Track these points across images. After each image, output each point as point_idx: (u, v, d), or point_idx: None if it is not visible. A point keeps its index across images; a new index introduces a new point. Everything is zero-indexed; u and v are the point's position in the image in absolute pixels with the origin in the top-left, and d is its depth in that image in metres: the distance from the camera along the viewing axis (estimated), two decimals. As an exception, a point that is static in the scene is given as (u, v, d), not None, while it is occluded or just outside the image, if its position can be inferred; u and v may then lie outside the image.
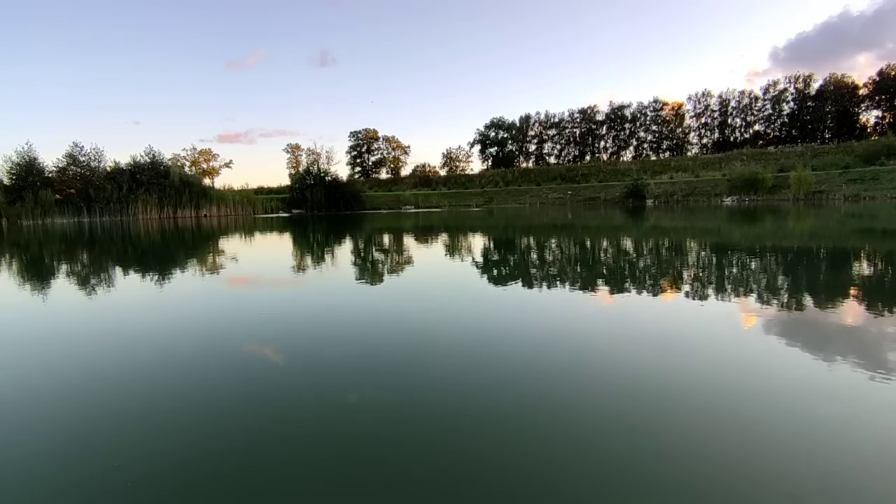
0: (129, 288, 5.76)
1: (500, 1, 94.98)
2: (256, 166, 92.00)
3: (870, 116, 51.32)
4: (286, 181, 49.59)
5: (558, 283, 5.10)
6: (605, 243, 9.63)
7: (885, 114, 49.77)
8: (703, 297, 4.14)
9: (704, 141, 58.73)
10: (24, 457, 1.73)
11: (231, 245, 11.74)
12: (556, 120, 64.08)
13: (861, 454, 1.61)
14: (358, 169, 70.75)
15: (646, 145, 60.97)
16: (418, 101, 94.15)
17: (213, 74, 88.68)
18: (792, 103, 53.60)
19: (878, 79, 49.07)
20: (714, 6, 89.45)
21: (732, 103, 56.55)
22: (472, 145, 67.92)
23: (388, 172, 70.39)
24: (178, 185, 33.59)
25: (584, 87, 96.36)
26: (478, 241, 10.92)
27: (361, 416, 1.97)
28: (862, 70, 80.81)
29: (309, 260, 8.30)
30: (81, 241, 14.18)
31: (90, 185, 32.45)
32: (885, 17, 66.98)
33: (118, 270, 7.37)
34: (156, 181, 33.00)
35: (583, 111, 62.37)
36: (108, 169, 34.50)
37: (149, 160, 34.63)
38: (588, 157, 62.02)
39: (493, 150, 66.11)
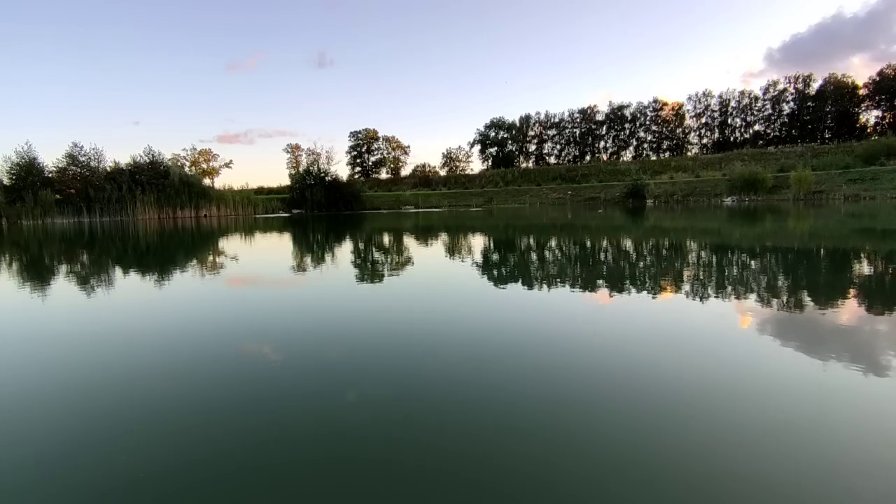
0: (129, 288, 5.75)
1: (500, 1, 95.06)
2: (256, 166, 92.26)
3: (870, 116, 51.37)
4: (286, 181, 49.68)
5: (558, 283, 5.09)
6: (605, 243, 9.63)
7: (885, 114, 49.78)
8: (704, 298, 4.14)
9: (704, 141, 58.77)
10: (25, 456, 1.73)
11: (231, 245, 11.74)
12: (556, 120, 64.11)
13: (861, 455, 1.61)
14: (358, 169, 70.79)
15: (646, 145, 60.99)
16: (418, 101, 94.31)
17: (212, 75, 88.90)
18: (792, 103, 53.63)
19: (877, 79, 49.09)
20: (710, 7, 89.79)
21: (732, 103, 56.57)
22: (472, 145, 68.04)
23: (388, 172, 70.45)
24: (177, 185, 33.57)
25: (584, 88, 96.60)
26: (478, 242, 10.91)
27: (361, 416, 1.97)
28: (857, 71, 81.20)
29: (309, 260, 8.30)
30: (81, 242, 14.18)
31: (90, 185, 32.43)
32: (878, 19, 67.37)
33: (118, 271, 7.37)
34: (155, 181, 32.99)
35: (583, 111, 62.42)
36: (108, 169, 34.51)
37: (148, 160, 34.63)
38: (588, 157, 62.04)
39: (493, 150, 66.12)
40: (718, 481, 1.47)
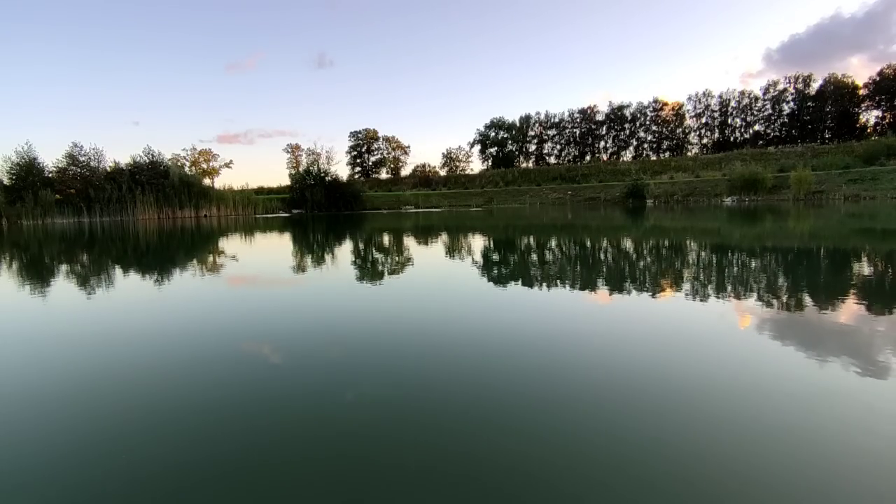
0: (129, 288, 5.75)
1: (500, 1, 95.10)
2: (256, 166, 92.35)
3: (870, 116, 51.40)
4: (286, 181, 49.69)
5: (558, 283, 5.09)
6: (605, 243, 9.63)
7: (885, 114, 49.80)
8: (704, 298, 4.14)
9: (704, 141, 58.79)
10: (25, 456, 1.73)
11: (231, 245, 11.74)
12: (556, 120, 64.14)
13: (861, 454, 1.61)
14: (358, 169, 70.83)
15: (646, 145, 61.02)
16: (418, 101, 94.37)
17: (212, 75, 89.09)
18: (792, 103, 53.66)
19: (877, 79, 49.10)
20: (709, 8, 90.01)
21: (732, 103, 56.60)
22: (472, 145, 68.11)
23: (388, 172, 70.48)
24: (177, 185, 33.56)
25: (584, 88, 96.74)
26: (477, 242, 10.91)
27: (361, 415, 1.97)
28: (855, 71, 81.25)
29: (309, 260, 8.30)
30: (81, 242, 14.18)
31: (90, 185, 32.42)
32: (876, 20, 67.44)
33: (118, 271, 7.37)
34: (155, 181, 32.98)
35: (583, 111, 62.45)
36: (108, 169, 34.49)
37: (148, 160, 34.62)
38: (588, 158, 62.07)
39: (493, 150, 66.15)
40: (718, 481, 1.47)
